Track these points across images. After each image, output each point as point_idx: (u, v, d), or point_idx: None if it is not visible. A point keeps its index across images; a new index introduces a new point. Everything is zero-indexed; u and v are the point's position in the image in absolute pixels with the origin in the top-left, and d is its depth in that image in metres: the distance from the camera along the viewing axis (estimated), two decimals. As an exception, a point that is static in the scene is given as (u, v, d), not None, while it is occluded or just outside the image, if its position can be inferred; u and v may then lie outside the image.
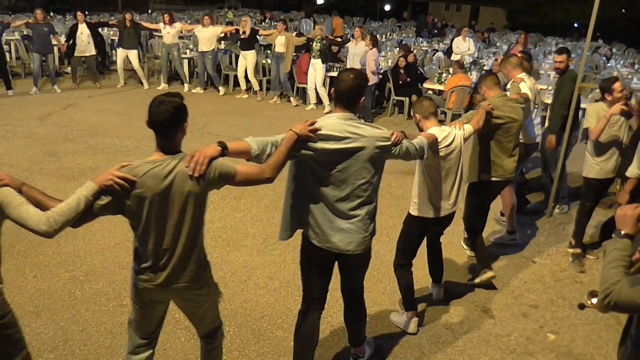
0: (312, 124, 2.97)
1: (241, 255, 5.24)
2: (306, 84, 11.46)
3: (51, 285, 4.61)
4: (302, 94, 12.09)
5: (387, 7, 34.14)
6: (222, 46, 13.17)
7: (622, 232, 2.26)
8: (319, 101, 11.57)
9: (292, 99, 11.95)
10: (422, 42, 17.56)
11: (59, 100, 11.02)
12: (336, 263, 3.41)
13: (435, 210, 4.10)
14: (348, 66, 11.01)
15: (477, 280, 4.79)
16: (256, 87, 12.16)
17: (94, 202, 2.57)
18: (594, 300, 2.49)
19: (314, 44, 11.19)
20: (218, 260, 5.10)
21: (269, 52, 12.31)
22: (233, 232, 5.69)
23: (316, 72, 11.22)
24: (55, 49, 12.17)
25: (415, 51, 12.99)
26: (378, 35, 18.68)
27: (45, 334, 3.98)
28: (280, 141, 2.92)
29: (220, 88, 12.45)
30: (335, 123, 3.03)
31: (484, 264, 4.82)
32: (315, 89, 11.33)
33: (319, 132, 2.96)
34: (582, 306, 2.76)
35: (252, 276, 4.89)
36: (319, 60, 11.11)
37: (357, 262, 3.38)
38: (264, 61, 12.39)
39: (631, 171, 4.51)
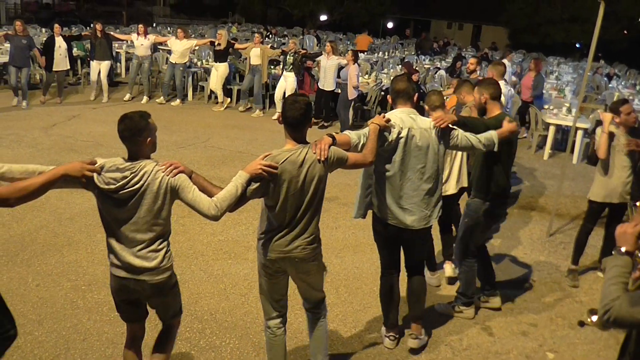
0: (384, 116, 3.65)
1: (242, 268, 5.26)
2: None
3: (54, 294, 4.63)
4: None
5: (390, 25, 34.39)
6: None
7: (623, 249, 2.28)
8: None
9: (257, 110, 12.02)
10: (424, 60, 17.70)
11: (63, 112, 11.09)
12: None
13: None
14: (320, 79, 11.21)
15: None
16: (220, 98, 12.31)
17: (246, 188, 3.02)
18: (594, 318, 2.52)
19: (288, 57, 11.39)
20: (219, 273, 5.13)
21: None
22: (235, 245, 5.72)
23: (287, 84, 11.39)
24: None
25: (417, 68, 13.09)
26: (380, 53, 18.96)
27: (47, 342, 4.00)
28: (367, 133, 3.54)
29: (177, 100, 12.50)
30: (398, 115, 3.73)
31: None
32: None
33: (390, 122, 3.64)
34: (582, 324, 2.79)
35: (253, 289, 4.89)
36: (292, 73, 11.30)
37: (418, 236, 3.99)
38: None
39: None
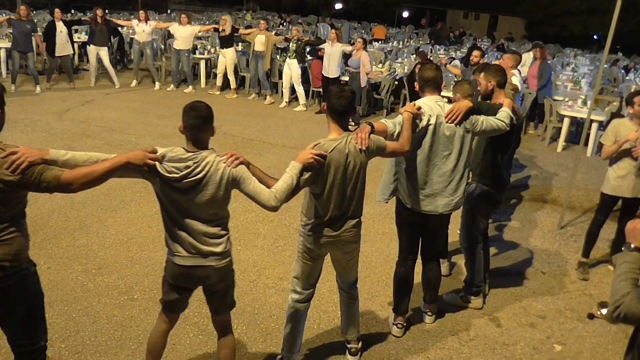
0: (415, 103, 3.74)
1: (251, 254, 5.29)
2: (320, 87, 11.56)
3: (64, 277, 4.68)
4: (317, 97, 12.13)
5: (405, 14, 34.14)
6: (240, 48, 13.24)
7: (632, 246, 2.26)
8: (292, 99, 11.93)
9: (268, 97, 12.08)
10: (439, 50, 17.55)
11: (77, 97, 11.17)
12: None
13: None
14: (324, 67, 11.08)
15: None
16: (233, 84, 12.36)
17: (299, 178, 3.09)
18: (604, 311, 2.50)
19: (291, 44, 11.39)
20: (228, 259, 5.15)
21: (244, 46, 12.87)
22: (244, 231, 5.75)
23: (291, 71, 11.43)
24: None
25: (432, 59, 12.98)
26: (395, 42, 18.85)
27: (57, 324, 4.05)
28: (401, 121, 3.62)
29: (190, 87, 12.53)
30: (427, 103, 3.81)
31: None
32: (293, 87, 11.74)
33: (420, 110, 3.73)
34: (591, 316, 2.78)
35: (262, 276, 4.94)
36: (295, 60, 11.33)
37: (441, 223, 4.14)
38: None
39: None
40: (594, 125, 9.52)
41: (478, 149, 4.54)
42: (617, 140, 5.02)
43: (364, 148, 3.25)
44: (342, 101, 3.21)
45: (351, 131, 3.30)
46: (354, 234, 3.48)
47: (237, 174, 2.90)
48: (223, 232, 3.05)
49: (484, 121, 3.92)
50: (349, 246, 3.52)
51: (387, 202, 4.20)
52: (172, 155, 2.87)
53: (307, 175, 3.14)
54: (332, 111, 3.26)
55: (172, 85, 12.51)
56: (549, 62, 11.39)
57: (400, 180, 3.99)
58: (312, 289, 3.65)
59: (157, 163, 2.84)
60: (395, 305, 4.28)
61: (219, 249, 3.02)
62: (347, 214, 3.39)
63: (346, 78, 11.46)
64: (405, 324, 4.29)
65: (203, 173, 2.85)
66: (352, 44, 11.91)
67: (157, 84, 12.59)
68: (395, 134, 3.61)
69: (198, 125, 2.90)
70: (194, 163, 2.85)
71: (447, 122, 3.78)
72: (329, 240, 3.41)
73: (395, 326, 4.27)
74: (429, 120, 3.74)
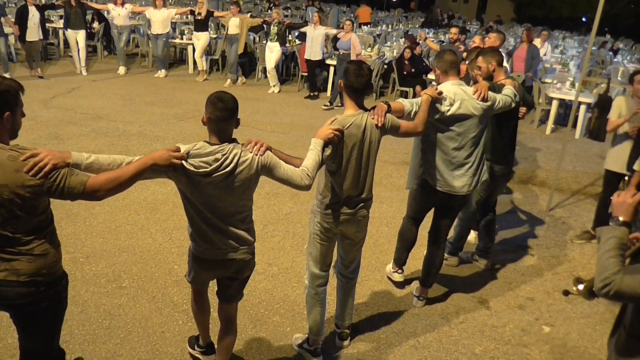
0: (437, 87, 3.78)
1: (241, 241, 5.26)
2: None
3: (52, 266, 4.64)
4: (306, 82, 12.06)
5: (394, -3, 33.93)
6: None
7: (621, 220, 2.21)
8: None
9: (228, 80, 11.96)
10: (428, 33, 17.48)
11: (63, 84, 11.03)
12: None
13: None
14: (307, 50, 11.03)
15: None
16: (201, 67, 12.27)
17: (323, 154, 3.12)
18: (580, 287, 2.48)
19: (272, 27, 11.28)
20: (218, 246, 5.13)
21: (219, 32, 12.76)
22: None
23: (272, 55, 11.34)
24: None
25: (421, 42, 12.92)
26: (384, 25, 18.76)
27: (44, 314, 4.01)
28: (419, 103, 3.67)
29: (163, 71, 12.38)
30: (450, 88, 3.85)
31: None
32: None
33: (442, 95, 3.77)
34: (566, 293, 2.77)
35: (251, 262, 4.92)
36: (277, 43, 11.25)
37: (461, 202, 4.25)
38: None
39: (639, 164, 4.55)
40: (582, 108, 9.53)
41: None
42: (621, 115, 5.23)
43: (380, 125, 3.30)
44: (361, 79, 3.23)
45: (367, 109, 3.33)
46: (368, 211, 3.55)
47: (266, 162, 2.87)
48: (251, 223, 3.05)
49: (500, 100, 4.04)
50: (363, 223, 3.57)
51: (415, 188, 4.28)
52: (196, 150, 2.75)
53: (328, 151, 3.18)
54: (350, 89, 3.27)
55: (159, 72, 12.35)
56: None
57: (429, 162, 4.05)
58: (328, 270, 3.68)
59: (182, 161, 2.72)
60: (397, 257, 4.64)
61: (249, 240, 3.02)
62: (363, 192, 3.43)
63: (332, 62, 11.40)
64: (403, 271, 4.70)
65: (233, 165, 2.78)
66: (341, 28, 11.82)
67: (122, 68, 12.41)
68: (412, 113, 3.65)
69: (225, 117, 2.80)
70: (223, 155, 2.76)
71: (479, 100, 3.86)
72: (346, 217, 3.44)
73: (396, 273, 4.69)
74: (452, 105, 3.79)
